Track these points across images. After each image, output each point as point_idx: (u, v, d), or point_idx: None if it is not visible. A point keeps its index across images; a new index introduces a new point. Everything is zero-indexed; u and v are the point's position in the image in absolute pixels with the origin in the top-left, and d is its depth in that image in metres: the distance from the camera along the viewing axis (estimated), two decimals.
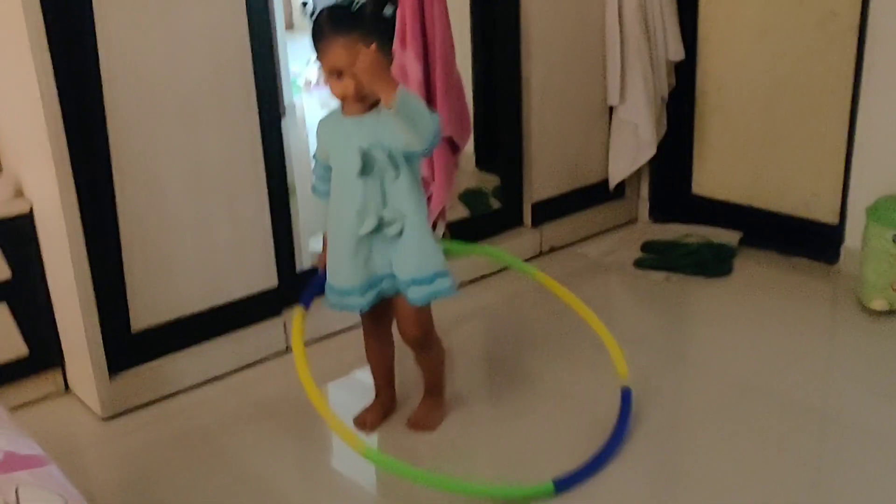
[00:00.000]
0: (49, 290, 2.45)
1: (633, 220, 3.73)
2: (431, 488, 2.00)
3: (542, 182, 3.36)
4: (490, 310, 3.04)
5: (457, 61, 2.84)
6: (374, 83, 1.89)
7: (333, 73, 1.98)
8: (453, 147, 2.89)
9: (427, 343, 2.22)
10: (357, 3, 1.99)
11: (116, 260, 2.36)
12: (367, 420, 2.30)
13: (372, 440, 2.27)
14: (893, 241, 2.73)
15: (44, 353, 2.47)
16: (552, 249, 3.44)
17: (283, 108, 3.73)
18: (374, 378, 2.35)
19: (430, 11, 2.72)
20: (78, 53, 2.19)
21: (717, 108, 3.46)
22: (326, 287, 2.16)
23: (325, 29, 1.97)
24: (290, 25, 5.30)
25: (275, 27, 3.25)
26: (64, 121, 2.17)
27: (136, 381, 2.44)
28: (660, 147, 3.45)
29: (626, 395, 2.27)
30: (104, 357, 2.36)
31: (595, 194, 3.57)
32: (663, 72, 3.40)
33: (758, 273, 3.20)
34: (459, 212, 3.26)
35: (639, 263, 3.28)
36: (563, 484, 2.00)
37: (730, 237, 3.39)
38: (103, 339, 2.35)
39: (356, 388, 2.53)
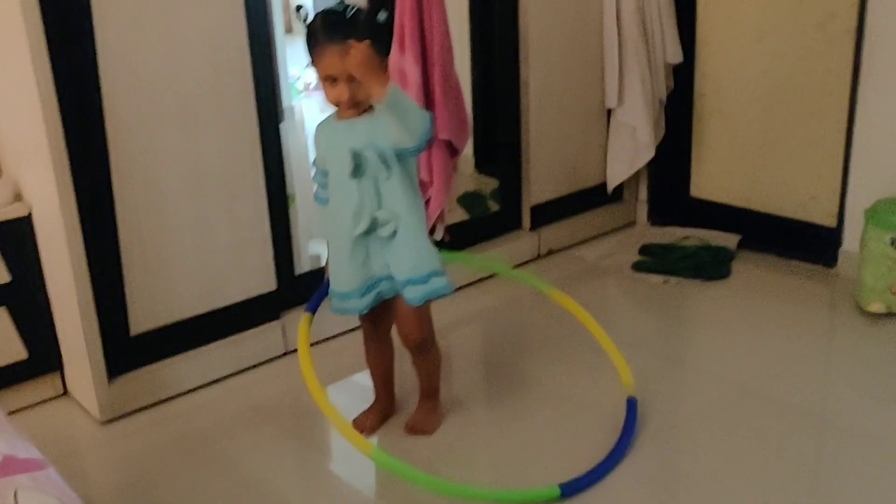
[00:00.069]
0: (48, 294, 2.45)
1: (631, 223, 3.73)
2: (434, 493, 1.99)
3: (540, 185, 3.36)
4: (488, 313, 3.04)
5: (455, 64, 2.84)
6: (365, 77, 1.89)
7: (328, 79, 1.99)
8: (452, 150, 2.89)
9: (426, 346, 2.22)
10: (351, 9, 1.99)
11: (115, 263, 2.36)
12: (366, 423, 2.31)
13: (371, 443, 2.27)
14: (891, 244, 2.73)
15: (43, 356, 2.47)
16: (550, 252, 3.44)
17: (282, 111, 3.72)
18: (374, 382, 2.35)
19: (428, 15, 2.72)
20: (77, 56, 2.19)
21: (715, 111, 3.46)
22: (329, 292, 2.17)
23: (318, 35, 1.97)
24: (289, 29, 5.29)
25: (274, 30, 3.25)
26: (63, 124, 2.17)
27: (134, 384, 2.44)
28: (658, 150, 3.45)
29: (631, 405, 2.27)
30: (103, 360, 2.36)
31: (593, 197, 3.57)
32: (661, 74, 3.40)
33: (756, 276, 3.20)
34: (458, 215, 3.26)
35: (637, 266, 3.28)
36: (569, 489, 2.00)
37: (728, 240, 3.39)
38: (102, 342, 2.35)
39: (355, 391, 2.54)
